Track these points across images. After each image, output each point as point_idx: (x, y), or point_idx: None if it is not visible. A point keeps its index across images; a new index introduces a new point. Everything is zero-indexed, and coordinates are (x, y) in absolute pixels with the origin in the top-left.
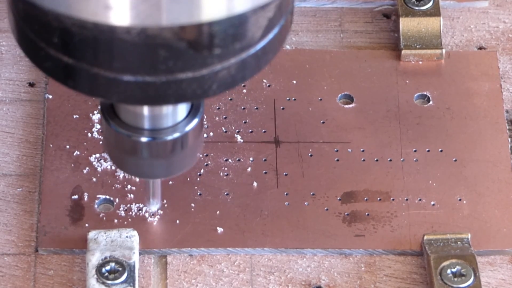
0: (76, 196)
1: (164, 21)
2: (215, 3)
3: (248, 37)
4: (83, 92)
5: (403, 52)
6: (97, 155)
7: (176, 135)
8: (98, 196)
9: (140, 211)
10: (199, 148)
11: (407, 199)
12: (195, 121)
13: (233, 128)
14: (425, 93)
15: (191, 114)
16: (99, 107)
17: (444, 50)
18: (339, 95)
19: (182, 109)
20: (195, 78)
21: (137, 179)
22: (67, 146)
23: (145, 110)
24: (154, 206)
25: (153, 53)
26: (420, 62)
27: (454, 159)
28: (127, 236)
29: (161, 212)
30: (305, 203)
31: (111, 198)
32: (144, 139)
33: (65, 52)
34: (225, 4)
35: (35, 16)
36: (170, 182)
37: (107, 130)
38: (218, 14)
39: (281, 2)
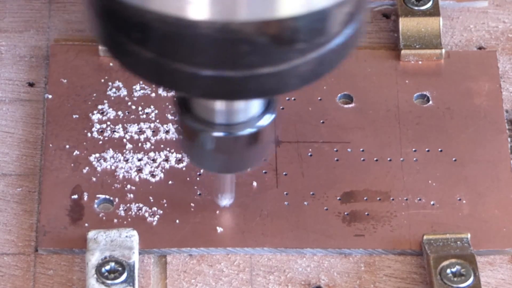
0: (75, 196)
1: (246, 16)
2: None
3: (328, 32)
4: (164, 86)
5: (402, 52)
6: (97, 155)
7: (249, 130)
8: (97, 196)
9: (140, 211)
10: (269, 144)
11: (406, 199)
12: (269, 117)
13: None
14: (424, 93)
15: (265, 110)
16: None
17: (443, 50)
18: (339, 95)
19: (256, 104)
20: (275, 73)
21: (137, 179)
22: (67, 146)
23: (219, 104)
24: (224, 201)
25: (234, 48)
26: (420, 62)
27: (454, 159)
28: (126, 236)
29: (161, 211)
30: (305, 203)
31: (111, 198)
32: (217, 134)
33: (145, 46)
34: None
35: (116, 10)
36: (170, 182)
37: (181, 123)
38: (300, 9)
39: None
